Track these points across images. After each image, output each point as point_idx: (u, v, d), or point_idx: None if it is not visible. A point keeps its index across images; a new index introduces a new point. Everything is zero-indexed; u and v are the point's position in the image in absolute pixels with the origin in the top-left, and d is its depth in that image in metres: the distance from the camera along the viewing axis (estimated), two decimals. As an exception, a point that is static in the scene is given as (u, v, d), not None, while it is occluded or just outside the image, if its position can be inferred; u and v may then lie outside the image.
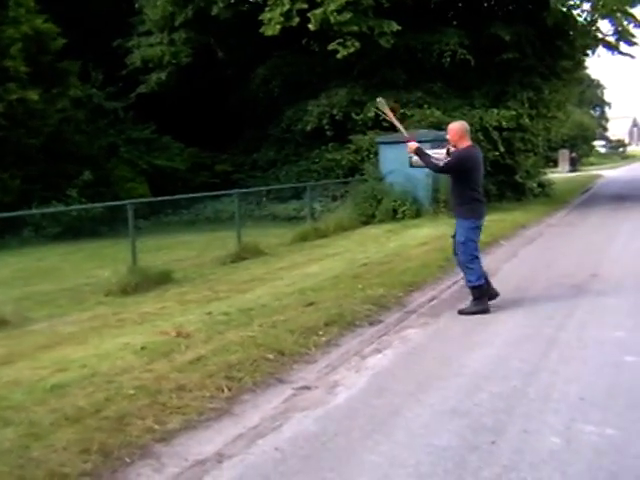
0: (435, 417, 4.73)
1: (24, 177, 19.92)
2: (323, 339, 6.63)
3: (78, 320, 8.17)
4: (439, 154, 8.44)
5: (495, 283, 8.46)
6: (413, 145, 7.90)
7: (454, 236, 7.88)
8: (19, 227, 18.65)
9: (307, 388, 5.38)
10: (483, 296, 7.70)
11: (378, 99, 9.00)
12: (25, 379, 5.60)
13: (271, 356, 5.99)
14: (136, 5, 24.75)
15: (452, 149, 7.83)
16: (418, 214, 17.64)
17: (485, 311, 7.61)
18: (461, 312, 7.65)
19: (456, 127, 7.83)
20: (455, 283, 9.38)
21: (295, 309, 7.68)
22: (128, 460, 4.11)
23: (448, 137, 7.88)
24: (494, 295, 7.88)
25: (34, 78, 19.68)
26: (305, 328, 6.83)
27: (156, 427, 4.51)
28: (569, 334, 6.72)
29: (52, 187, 19.99)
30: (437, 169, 7.95)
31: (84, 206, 17.36)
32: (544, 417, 4.63)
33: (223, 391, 5.18)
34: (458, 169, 7.65)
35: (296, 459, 4.14)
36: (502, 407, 4.83)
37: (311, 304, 7.88)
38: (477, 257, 7.73)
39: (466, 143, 7.74)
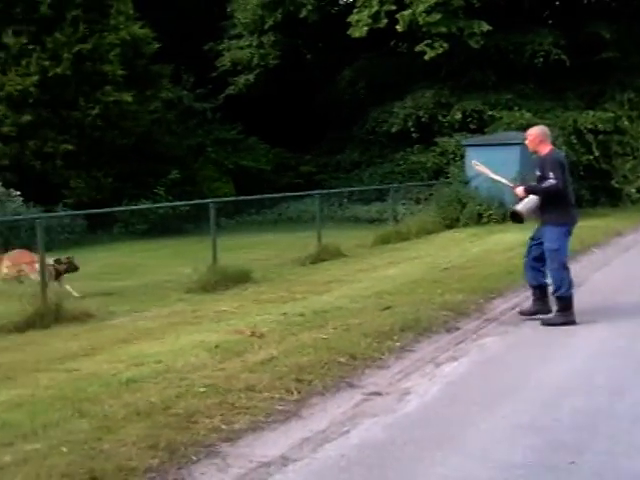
0: (510, 431, 4.54)
1: (116, 175, 20.57)
2: (397, 344, 6.52)
3: (157, 316, 8.30)
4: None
5: (583, 293, 8.21)
6: (520, 190, 7.51)
7: (532, 237, 7.64)
8: (110, 223, 19.27)
9: (378, 394, 5.29)
10: (569, 307, 7.35)
11: (473, 161, 8.63)
12: (103, 372, 5.70)
13: (343, 360, 5.91)
14: (228, 9, 25.19)
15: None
16: (504, 219, 17.23)
17: (571, 323, 7.27)
18: (545, 323, 7.33)
19: (535, 132, 7.53)
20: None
21: (371, 313, 7.59)
22: (194, 458, 4.10)
23: (527, 142, 7.60)
24: (546, 311, 7.53)
25: (129, 81, 20.38)
26: (380, 332, 6.73)
27: (223, 427, 4.50)
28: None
29: (141, 185, 20.55)
30: (556, 188, 7.17)
31: (170, 204, 17.73)
32: (631, 438, 4.35)
33: (292, 393, 5.13)
34: (563, 174, 7.29)
35: (361, 467, 4.05)
36: (584, 425, 4.59)
37: (387, 308, 7.78)
38: (567, 266, 7.42)
39: (547, 147, 7.44)
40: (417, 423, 4.72)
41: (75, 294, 9.62)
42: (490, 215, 17.31)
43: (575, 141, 19.87)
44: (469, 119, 21.28)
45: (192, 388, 5.11)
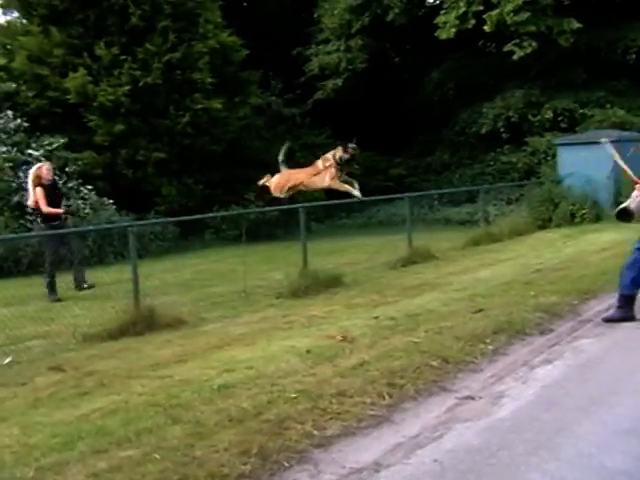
0: (609, 436, 4.39)
1: (207, 182, 20.92)
2: (490, 347, 6.40)
3: (249, 321, 8.37)
4: None
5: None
6: None
7: None
8: (201, 230, 19.62)
9: (471, 398, 5.20)
10: None
11: (603, 140, 8.36)
12: (195, 378, 5.79)
13: (435, 363, 5.85)
14: (315, 15, 25.36)
15: None
16: (598, 218, 16.84)
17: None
18: None
19: None
20: None
21: (463, 315, 7.51)
22: (286, 464, 4.11)
23: None
24: (630, 318, 7.21)
25: (218, 88, 20.73)
26: (472, 335, 6.64)
27: (315, 432, 4.50)
28: None
29: (232, 191, 20.85)
30: None
31: (260, 209, 17.89)
32: None
33: (384, 398, 5.10)
34: None
35: (455, 473, 3.99)
36: (684, 429, 4.44)
37: (480, 310, 7.67)
38: None
39: None
40: (512, 428, 4.62)
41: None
42: (583, 215, 16.92)
43: (671, 138, 19.22)
44: (560, 118, 20.88)
45: (283, 394, 5.14)
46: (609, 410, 4.87)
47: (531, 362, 6.09)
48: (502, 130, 21.70)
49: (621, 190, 16.98)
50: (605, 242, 13.12)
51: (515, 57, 19.73)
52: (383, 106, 25.45)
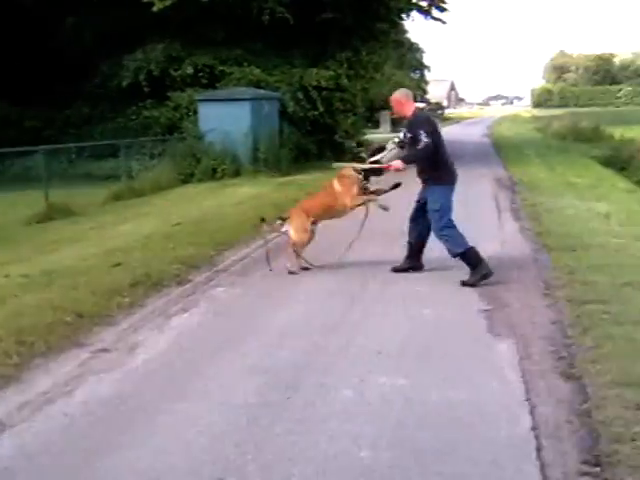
0: (234, 375, 4.72)
1: None
2: (127, 300, 6.44)
3: None
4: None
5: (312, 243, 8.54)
6: (399, 164, 7.16)
7: (418, 200, 7.37)
8: None
9: (105, 350, 5.21)
10: (478, 261, 6.96)
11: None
12: None
13: (69, 319, 5.75)
14: None
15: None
16: (237, 173, 17.57)
17: (488, 275, 6.90)
18: (465, 284, 6.92)
19: (396, 96, 7.30)
20: (269, 242, 9.44)
21: (100, 270, 7.44)
22: None
23: (394, 110, 7.43)
24: (419, 267, 7.49)
25: None
26: (109, 289, 6.62)
27: None
28: (373, 290, 6.91)
29: None
30: (427, 150, 6.92)
31: None
32: (341, 371, 4.73)
33: (11, 357, 4.90)
34: (438, 133, 7.18)
35: (86, 424, 4.00)
36: (301, 363, 4.89)
37: (118, 265, 7.66)
38: (453, 224, 7.09)
39: (411, 108, 7.26)
40: (144, 376, 4.74)
41: None
42: (224, 170, 17.51)
43: (302, 97, 20.61)
44: (200, 74, 21.18)
45: None
46: (236, 351, 5.20)
47: (167, 312, 6.25)
48: (144, 84, 21.41)
49: (259, 146, 17.96)
50: (242, 196, 13.74)
51: (155, 9, 19.44)
52: (14, 51, 23.57)
